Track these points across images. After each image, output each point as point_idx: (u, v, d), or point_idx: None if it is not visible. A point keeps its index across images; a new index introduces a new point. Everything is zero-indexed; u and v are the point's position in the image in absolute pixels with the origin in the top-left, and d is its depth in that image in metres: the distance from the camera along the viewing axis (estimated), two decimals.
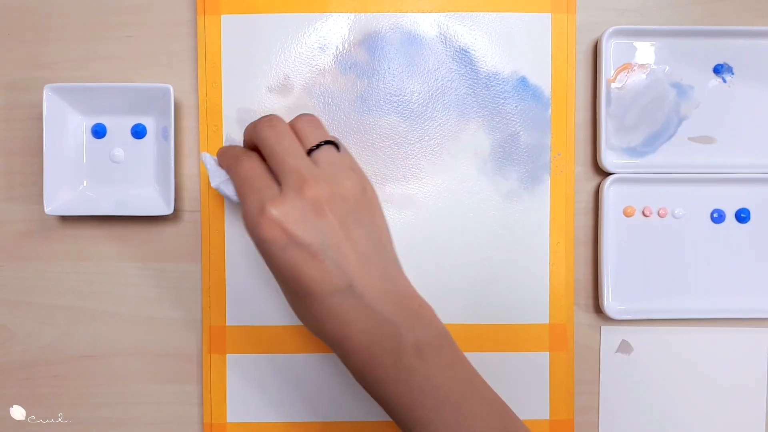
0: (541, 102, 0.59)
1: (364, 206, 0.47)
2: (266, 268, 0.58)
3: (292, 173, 0.45)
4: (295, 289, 0.46)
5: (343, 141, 0.58)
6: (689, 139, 0.59)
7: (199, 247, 0.59)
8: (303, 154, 0.46)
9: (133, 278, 0.59)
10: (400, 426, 0.46)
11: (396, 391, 0.45)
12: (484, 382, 0.47)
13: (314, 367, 0.59)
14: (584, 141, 0.59)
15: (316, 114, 0.58)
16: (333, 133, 0.58)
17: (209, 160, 0.51)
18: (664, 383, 0.60)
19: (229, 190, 0.50)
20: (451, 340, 0.47)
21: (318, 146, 0.47)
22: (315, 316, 0.46)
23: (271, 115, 0.49)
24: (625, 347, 0.60)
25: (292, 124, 0.48)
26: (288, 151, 0.46)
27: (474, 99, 0.59)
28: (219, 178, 0.50)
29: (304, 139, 0.48)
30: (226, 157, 0.50)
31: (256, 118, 0.57)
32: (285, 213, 0.43)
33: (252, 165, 0.47)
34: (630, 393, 0.60)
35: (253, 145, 0.49)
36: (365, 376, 0.46)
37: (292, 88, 0.59)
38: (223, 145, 0.58)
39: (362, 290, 0.45)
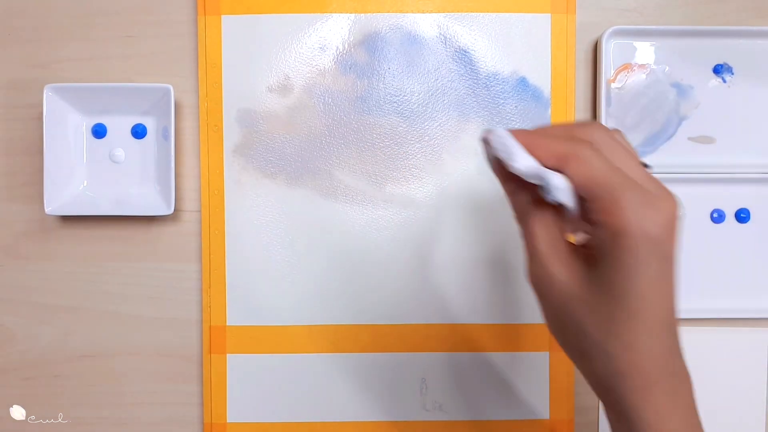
0: (540, 102, 0.59)
1: (675, 241, 0.39)
2: (266, 268, 0.58)
3: (651, 179, 0.38)
4: (634, 311, 0.37)
5: (343, 141, 0.58)
6: (689, 139, 0.59)
7: (199, 247, 0.59)
8: (642, 167, 0.39)
9: (133, 278, 0.59)
10: None
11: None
12: None
13: (314, 367, 0.59)
14: None
15: (315, 114, 0.58)
16: (333, 132, 0.59)
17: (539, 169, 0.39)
18: None
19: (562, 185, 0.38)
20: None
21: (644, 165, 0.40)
22: (636, 349, 0.38)
23: (593, 122, 0.42)
24: None
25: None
26: (635, 157, 0.39)
27: (474, 99, 0.59)
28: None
29: (632, 154, 0.40)
30: (551, 143, 0.39)
31: (256, 118, 0.57)
32: (669, 216, 0.36)
33: (604, 157, 0.38)
34: None
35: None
36: (625, 409, 0.40)
37: (293, 89, 0.59)
38: None
39: (676, 330, 0.39)
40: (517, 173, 0.39)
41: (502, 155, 0.39)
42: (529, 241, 0.41)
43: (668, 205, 0.36)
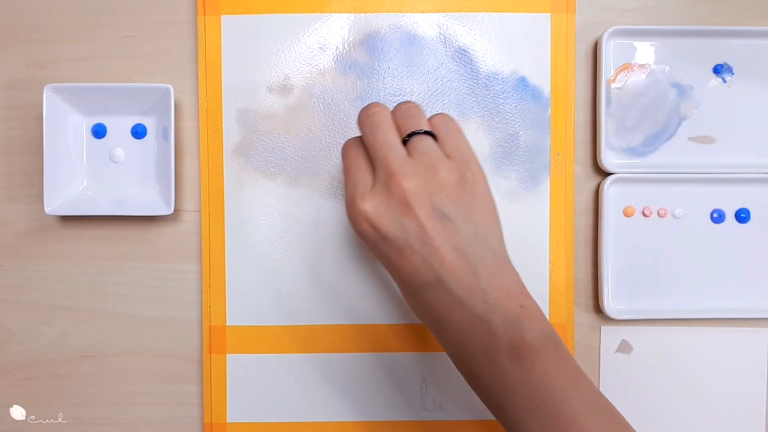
0: (540, 102, 0.59)
1: (460, 196, 0.45)
2: (266, 268, 0.58)
3: (382, 166, 0.45)
4: (393, 279, 0.47)
5: (342, 141, 0.58)
6: (689, 139, 0.59)
7: (199, 247, 0.59)
8: (398, 144, 0.46)
9: (133, 278, 0.59)
10: (499, 422, 0.45)
11: (490, 388, 0.44)
12: (592, 386, 0.45)
13: (314, 367, 0.59)
14: (584, 141, 0.59)
15: (315, 114, 0.58)
16: (333, 132, 0.59)
17: None
18: (664, 383, 0.60)
19: None
20: (556, 342, 0.45)
21: (412, 135, 0.46)
22: (413, 306, 0.47)
23: (374, 103, 0.48)
24: (625, 347, 0.59)
25: (393, 112, 0.48)
26: (381, 143, 0.45)
27: (474, 99, 0.59)
28: None
29: (402, 128, 0.47)
30: (344, 147, 0.49)
31: (256, 119, 0.58)
32: (372, 208, 0.44)
33: (355, 154, 0.47)
34: (630, 393, 0.59)
35: None
36: (462, 370, 0.46)
37: (292, 89, 0.59)
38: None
39: (453, 285, 0.44)
40: None
41: None
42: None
43: (380, 194, 0.44)
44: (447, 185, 0.45)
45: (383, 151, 0.45)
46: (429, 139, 0.46)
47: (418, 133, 0.46)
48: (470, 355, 0.44)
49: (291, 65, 0.59)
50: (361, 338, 0.59)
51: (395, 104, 0.48)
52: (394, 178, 0.44)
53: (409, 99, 0.58)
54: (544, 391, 0.42)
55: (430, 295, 0.44)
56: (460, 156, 0.46)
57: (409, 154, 0.45)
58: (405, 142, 0.46)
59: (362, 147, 0.47)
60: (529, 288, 0.57)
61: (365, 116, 0.47)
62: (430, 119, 0.48)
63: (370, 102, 0.57)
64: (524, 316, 0.44)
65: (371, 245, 0.45)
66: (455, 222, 0.44)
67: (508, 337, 0.43)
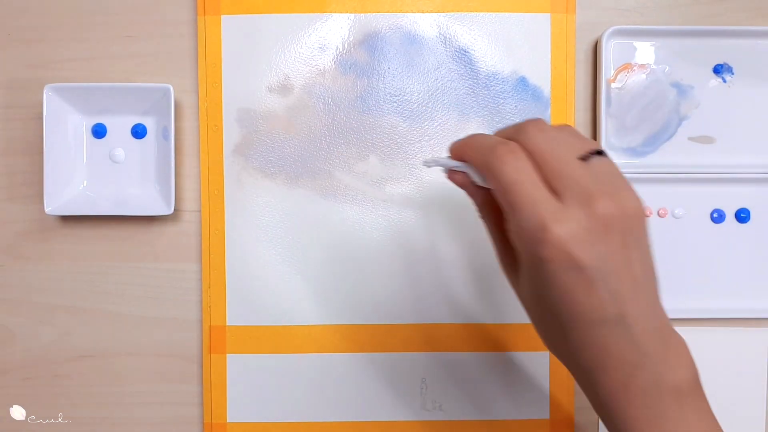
0: (540, 102, 0.59)
1: (642, 225, 0.40)
2: (266, 268, 0.58)
3: (575, 184, 0.38)
4: (558, 314, 0.40)
5: (343, 141, 0.58)
6: (689, 139, 0.59)
7: (199, 247, 0.59)
8: (579, 162, 0.39)
9: (133, 278, 0.59)
10: None
11: (643, 431, 0.41)
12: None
13: (314, 368, 0.59)
14: None
15: (315, 114, 0.58)
16: (333, 132, 0.59)
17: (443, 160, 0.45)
18: None
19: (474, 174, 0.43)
20: (701, 382, 0.42)
21: (589, 156, 0.40)
22: (573, 345, 0.41)
23: (534, 118, 0.42)
24: None
25: (557, 128, 0.42)
26: (564, 159, 0.39)
27: (474, 99, 0.59)
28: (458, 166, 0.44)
29: (573, 145, 0.41)
30: (477, 147, 0.42)
31: (256, 118, 0.57)
32: (571, 233, 0.37)
33: (521, 165, 0.39)
34: None
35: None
36: (614, 412, 0.41)
37: (292, 88, 0.59)
38: None
39: (632, 321, 0.39)
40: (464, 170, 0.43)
41: (443, 165, 0.44)
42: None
43: (578, 218, 0.37)
44: (635, 212, 0.40)
45: (570, 166, 0.39)
46: (609, 161, 0.41)
47: (599, 152, 0.41)
48: (629, 397, 0.40)
49: (291, 65, 0.59)
50: (361, 338, 0.59)
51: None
52: (594, 198, 0.38)
53: (410, 99, 0.58)
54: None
55: (604, 333, 0.39)
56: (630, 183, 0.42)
57: (593, 171, 0.40)
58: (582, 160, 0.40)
59: (523, 153, 0.40)
60: None
61: (534, 127, 0.41)
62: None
63: (370, 102, 0.57)
64: (682, 353, 0.42)
65: (554, 274, 0.38)
66: (639, 251, 0.40)
67: (673, 378, 0.40)
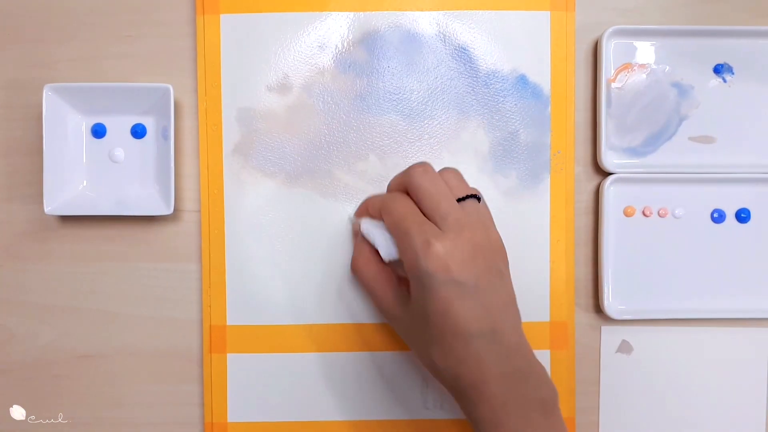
0: (540, 100, 0.59)
1: (504, 260, 0.50)
2: (267, 268, 0.58)
3: (450, 216, 0.47)
4: (442, 329, 0.47)
5: (342, 140, 0.58)
6: (689, 139, 0.59)
7: (199, 247, 0.59)
8: (454, 200, 0.48)
9: (132, 278, 0.59)
10: None
11: None
12: None
13: (314, 367, 0.59)
14: (584, 141, 0.59)
15: (314, 113, 0.58)
16: (333, 131, 0.58)
17: (367, 225, 0.53)
18: (664, 383, 0.60)
19: (379, 237, 0.51)
20: (558, 400, 0.49)
21: (465, 198, 0.49)
22: (455, 357, 0.47)
23: (423, 162, 0.50)
24: (625, 347, 0.60)
25: (440, 175, 0.50)
26: (444, 196, 0.48)
27: (473, 97, 0.59)
28: (368, 226, 0.53)
29: (452, 189, 0.49)
30: (374, 203, 0.53)
31: (255, 118, 0.57)
32: (448, 250, 0.45)
33: (407, 203, 0.49)
34: (630, 393, 0.60)
35: (401, 191, 0.51)
36: (492, 424, 0.47)
37: (292, 88, 0.59)
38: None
39: (501, 338, 0.47)
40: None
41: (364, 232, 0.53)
42: (357, 276, 0.54)
43: (453, 240, 0.46)
44: (497, 246, 0.49)
45: (447, 203, 0.48)
46: (476, 202, 0.50)
47: (476, 197, 0.50)
48: (506, 409, 0.46)
49: (290, 64, 0.59)
50: (362, 337, 0.59)
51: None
52: (465, 227, 0.47)
53: (410, 97, 0.58)
54: None
55: (481, 345, 0.46)
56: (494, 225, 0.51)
57: (465, 210, 0.49)
58: (458, 201, 0.49)
59: (408, 197, 0.50)
60: (530, 286, 0.58)
61: (421, 171, 0.49)
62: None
63: (370, 101, 0.57)
64: (542, 374, 0.49)
65: (436, 287, 0.46)
66: (502, 280, 0.48)
67: (539, 392, 0.47)
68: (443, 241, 0.46)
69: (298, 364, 0.59)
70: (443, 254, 0.45)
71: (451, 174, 0.51)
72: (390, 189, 0.53)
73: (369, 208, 0.53)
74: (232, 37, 0.58)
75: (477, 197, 0.50)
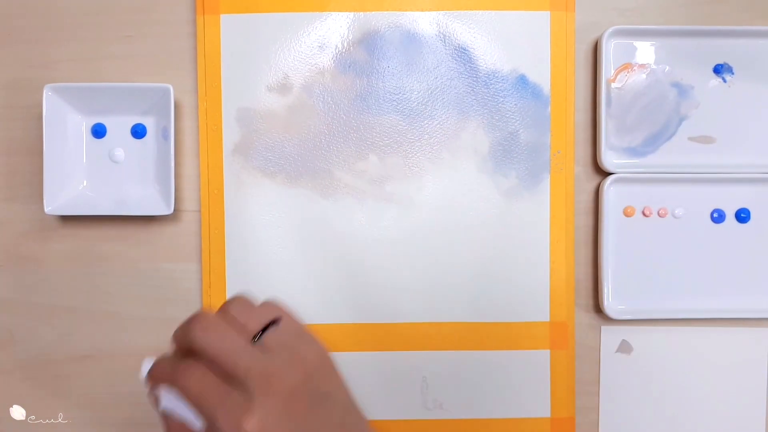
0: (540, 100, 0.59)
1: (327, 372, 0.44)
2: (266, 267, 0.57)
3: (250, 374, 0.40)
4: None
5: (342, 140, 0.58)
6: (689, 139, 0.59)
7: (199, 247, 0.59)
8: (249, 347, 0.41)
9: (133, 278, 0.59)
10: None
11: None
12: None
13: None
14: (584, 141, 0.59)
15: (314, 113, 0.58)
16: (333, 131, 0.58)
17: (168, 402, 0.43)
18: (664, 383, 0.60)
19: (183, 410, 0.42)
20: None
21: (262, 332, 0.43)
22: None
23: (198, 314, 0.42)
24: (625, 347, 0.60)
25: (224, 314, 0.43)
26: (236, 350, 0.41)
27: (473, 97, 0.59)
28: (168, 401, 0.42)
29: (243, 328, 0.42)
30: (162, 374, 0.43)
31: (255, 118, 0.57)
32: (262, 423, 0.39)
33: (199, 376, 0.40)
34: (630, 393, 0.60)
35: (187, 350, 0.42)
36: None
37: (292, 87, 0.59)
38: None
39: None
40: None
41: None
42: None
43: (263, 405, 0.39)
44: (315, 367, 0.43)
45: (243, 358, 0.40)
46: (284, 326, 0.44)
47: (268, 326, 0.43)
48: None
49: (290, 64, 0.59)
50: (362, 337, 0.59)
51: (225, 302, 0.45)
52: (270, 380, 0.40)
53: (410, 97, 0.58)
54: None
55: None
56: (307, 330, 0.45)
57: (267, 349, 0.42)
58: (254, 339, 0.42)
59: (199, 364, 0.41)
60: (529, 286, 0.58)
61: (199, 329, 0.41)
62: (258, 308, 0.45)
63: (370, 101, 0.57)
64: None
65: None
66: (330, 400, 0.43)
67: None
68: (253, 416, 0.39)
69: None
70: (258, 429, 0.38)
71: (237, 307, 0.43)
72: (176, 342, 0.43)
73: (162, 375, 0.43)
74: (232, 37, 0.58)
75: (275, 321, 0.44)
